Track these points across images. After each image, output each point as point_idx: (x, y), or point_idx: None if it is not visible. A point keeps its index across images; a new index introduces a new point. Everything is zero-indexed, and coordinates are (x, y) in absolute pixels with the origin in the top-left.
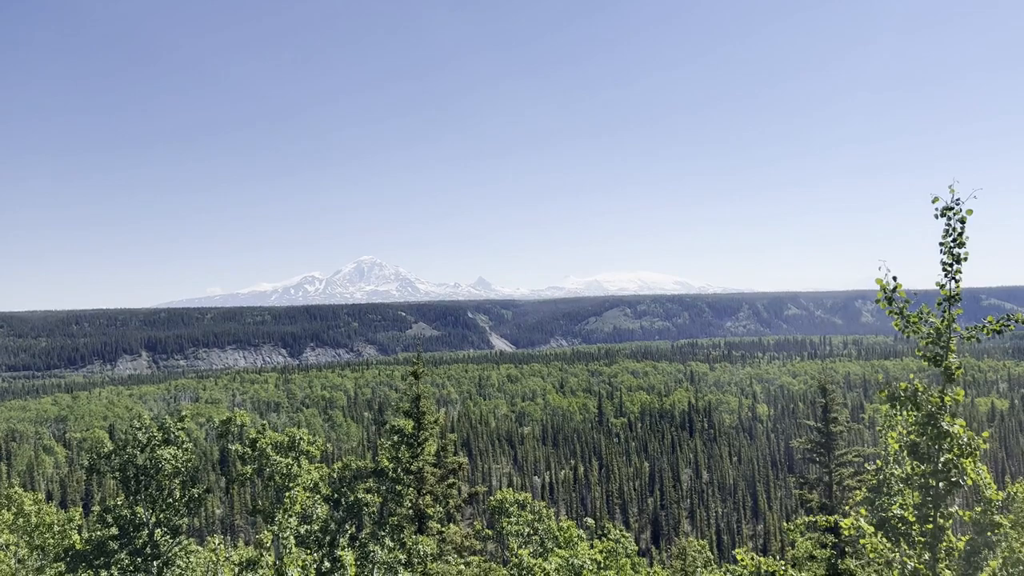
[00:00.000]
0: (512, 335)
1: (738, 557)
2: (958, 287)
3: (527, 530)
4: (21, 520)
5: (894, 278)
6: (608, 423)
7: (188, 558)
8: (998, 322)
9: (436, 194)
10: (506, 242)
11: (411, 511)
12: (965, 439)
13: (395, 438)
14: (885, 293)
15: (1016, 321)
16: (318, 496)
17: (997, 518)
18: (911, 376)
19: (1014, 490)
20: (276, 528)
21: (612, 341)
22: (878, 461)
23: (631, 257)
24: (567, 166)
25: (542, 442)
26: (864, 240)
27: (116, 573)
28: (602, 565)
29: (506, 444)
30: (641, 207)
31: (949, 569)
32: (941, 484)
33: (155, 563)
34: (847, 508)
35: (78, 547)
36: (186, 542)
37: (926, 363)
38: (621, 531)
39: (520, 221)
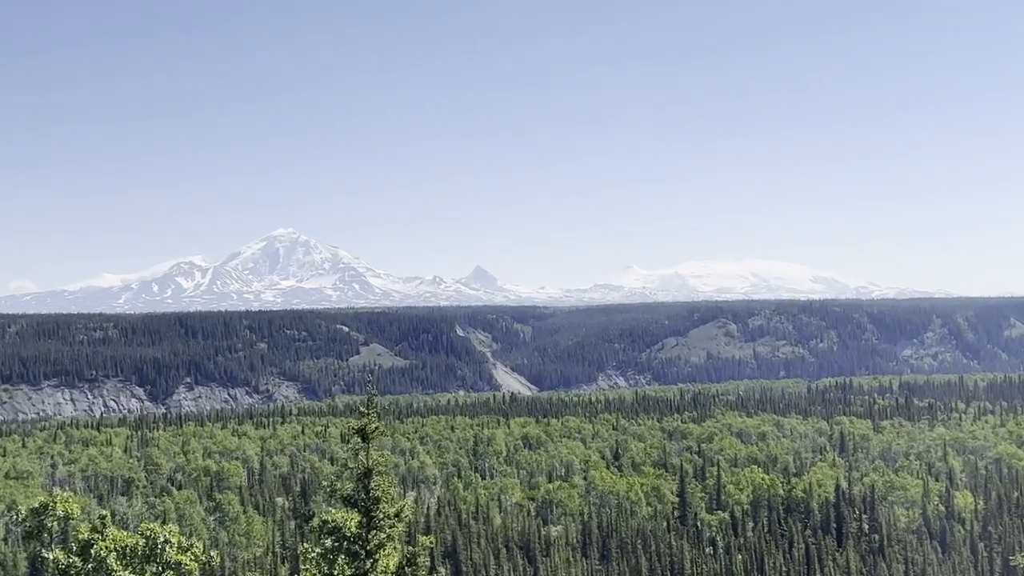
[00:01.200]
0: (532, 366)
1: None
2: None
3: None
4: None
5: None
6: (697, 520)
7: None
8: None
9: (403, 137)
10: (521, 212)
11: None
12: None
13: (329, 542)
14: None
15: None
16: None
17: None
18: None
19: None
20: None
21: (704, 378)
22: None
23: (737, 237)
24: (626, 93)
25: (582, 552)
26: None
27: None
28: None
29: (520, 554)
30: (754, 158)
31: None
32: None
33: None
34: None
35: None
36: None
37: None
38: None
39: (545, 177)
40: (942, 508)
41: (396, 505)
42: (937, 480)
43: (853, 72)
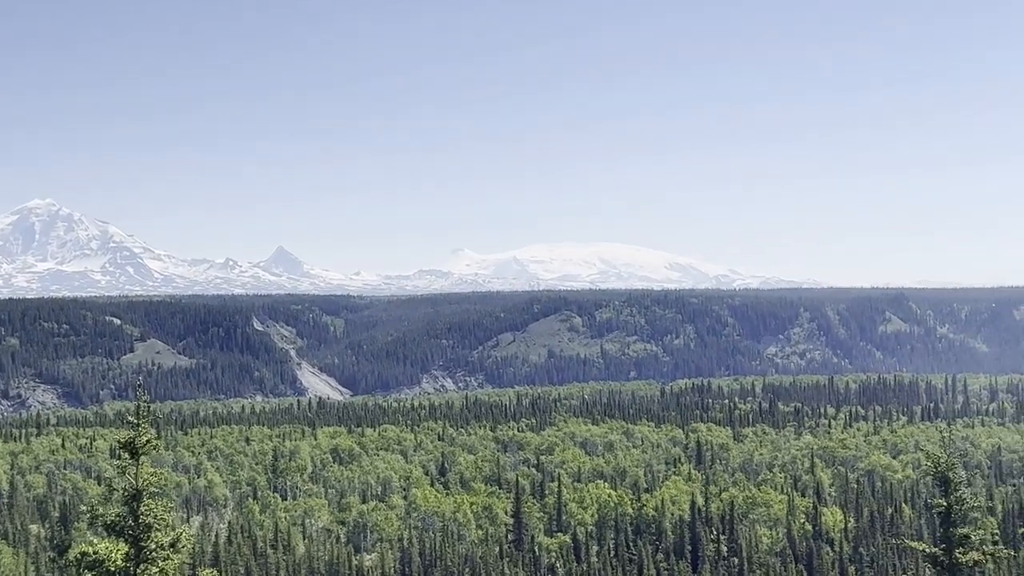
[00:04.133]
0: (344, 366)
1: None
2: None
3: None
4: None
5: None
6: (534, 544)
7: None
8: None
9: (188, 93)
10: (332, 184)
11: None
12: None
13: None
14: None
15: None
16: None
17: None
18: None
19: None
20: None
21: (545, 380)
22: None
23: (585, 219)
24: (457, 50)
25: None
26: None
27: None
28: None
29: None
30: (603, 134)
31: None
32: None
33: None
34: None
35: None
36: None
37: None
38: None
39: (362, 145)
40: (809, 527)
41: (172, 533)
42: (804, 495)
43: (716, 52)
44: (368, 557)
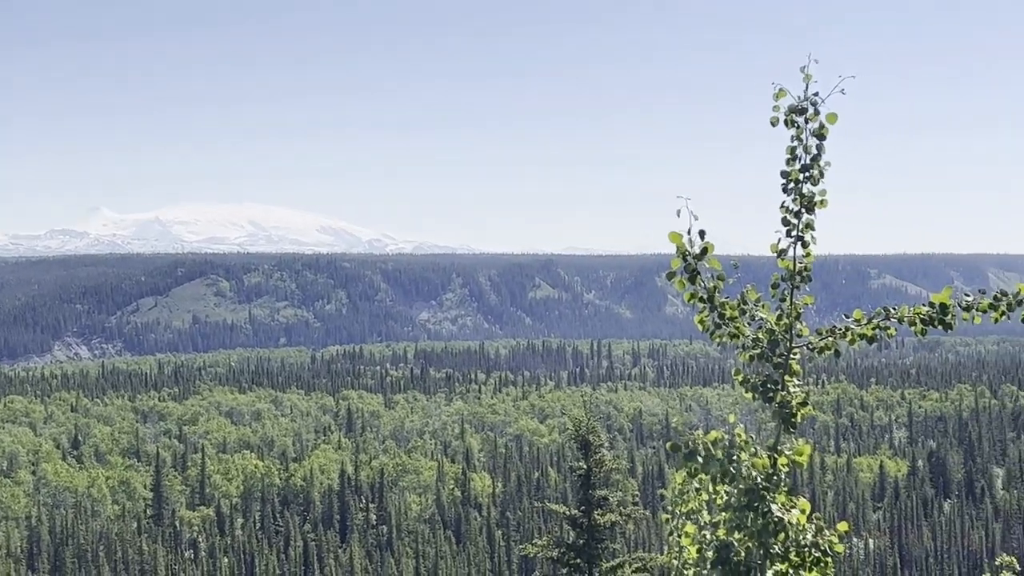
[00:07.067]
0: None
1: None
2: (809, 256)
3: None
4: None
5: (701, 233)
6: (175, 519)
7: None
8: (917, 312)
9: None
10: None
11: None
12: (810, 536)
13: None
14: (685, 260)
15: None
16: None
17: None
18: (730, 418)
19: None
20: None
21: (189, 347)
22: None
23: (233, 180)
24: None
25: (28, 565)
26: (689, 172)
27: None
28: None
29: None
30: (251, 89)
31: None
32: None
33: None
34: None
35: None
36: None
37: (749, 395)
38: None
39: None
40: (458, 493)
41: None
42: (453, 461)
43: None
44: None
